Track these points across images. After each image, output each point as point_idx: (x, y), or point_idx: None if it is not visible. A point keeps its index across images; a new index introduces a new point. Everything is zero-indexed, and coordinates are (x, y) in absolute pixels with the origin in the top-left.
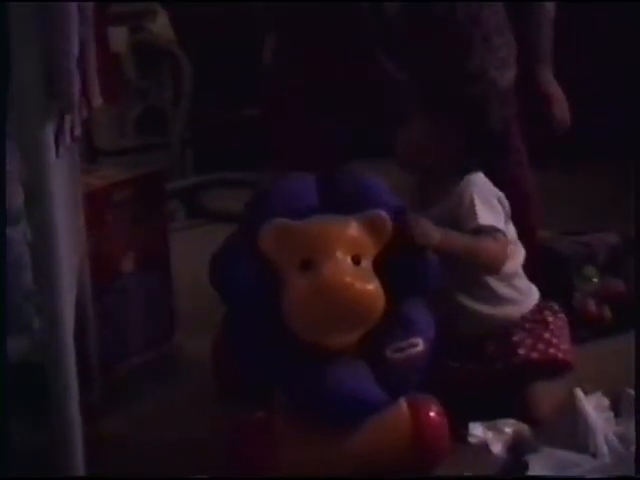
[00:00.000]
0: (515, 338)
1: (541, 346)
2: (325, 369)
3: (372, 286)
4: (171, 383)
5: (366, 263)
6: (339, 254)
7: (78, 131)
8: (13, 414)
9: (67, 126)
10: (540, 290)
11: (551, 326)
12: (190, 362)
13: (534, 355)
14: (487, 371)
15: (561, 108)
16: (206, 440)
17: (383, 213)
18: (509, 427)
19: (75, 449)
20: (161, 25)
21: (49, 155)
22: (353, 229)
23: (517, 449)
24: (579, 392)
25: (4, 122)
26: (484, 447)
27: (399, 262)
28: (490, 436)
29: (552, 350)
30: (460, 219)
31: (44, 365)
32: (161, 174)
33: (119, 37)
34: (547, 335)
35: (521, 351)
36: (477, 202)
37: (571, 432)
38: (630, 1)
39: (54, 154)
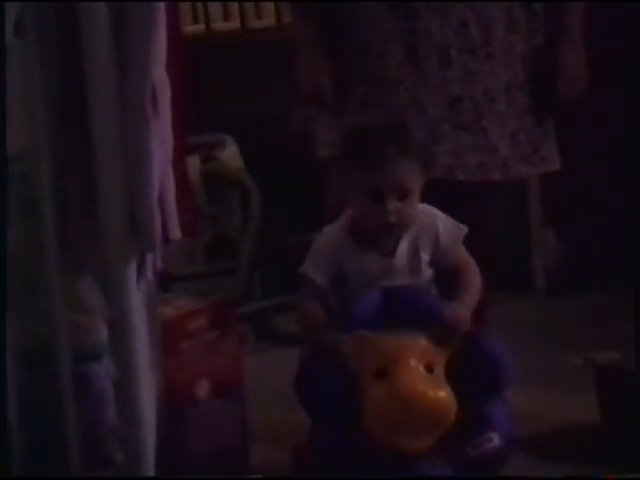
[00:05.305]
0: None
1: None
2: (405, 473)
3: (444, 393)
4: None
5: (439, 370)
6: (412, 363)
7: (159, 265)
8: None
9: (149, 262)
10: None
11: None
12: None
13: None
14: None
15: (569, 79)
16: None
17: (449, 326)
18: None
19: None
20: (230, 155)
21: (132, 293)
22: (424, 341)
23: None
24: None
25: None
26: None
27: (470, 364)
28: None
29: None
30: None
31: None
32: (234, 301)
33: (192, 166)
34: None
35: None
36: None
37: None
38: None
39: (136, 292)
